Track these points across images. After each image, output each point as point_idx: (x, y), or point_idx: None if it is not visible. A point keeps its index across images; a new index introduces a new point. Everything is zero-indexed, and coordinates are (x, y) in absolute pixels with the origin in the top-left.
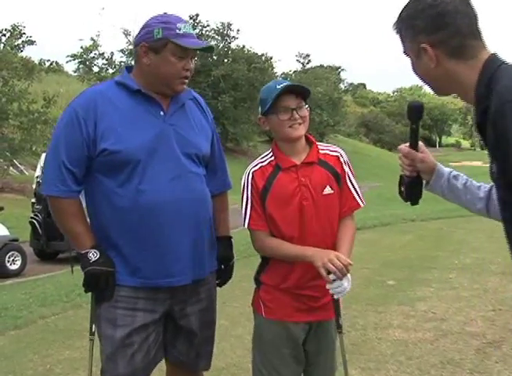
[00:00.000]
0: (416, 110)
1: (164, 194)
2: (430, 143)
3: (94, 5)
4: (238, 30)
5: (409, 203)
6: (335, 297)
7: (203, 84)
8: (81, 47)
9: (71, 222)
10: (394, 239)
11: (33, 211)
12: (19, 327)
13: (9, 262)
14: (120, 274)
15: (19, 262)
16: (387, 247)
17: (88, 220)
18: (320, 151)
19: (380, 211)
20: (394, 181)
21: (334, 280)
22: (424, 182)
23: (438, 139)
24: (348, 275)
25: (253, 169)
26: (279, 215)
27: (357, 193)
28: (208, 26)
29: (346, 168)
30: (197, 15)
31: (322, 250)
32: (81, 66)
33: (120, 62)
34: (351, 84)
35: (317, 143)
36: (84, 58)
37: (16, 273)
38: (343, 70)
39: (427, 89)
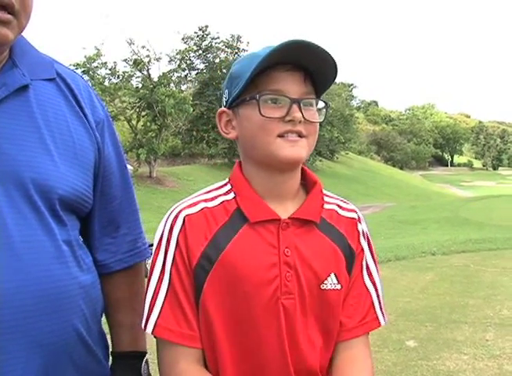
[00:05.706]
0: None
1: None
2: (442, 162)
3: (98, 15)
4: (248, 43)
5: None
6: None
7: (212, 97)
8: (85, 56)
9: None
10: (412, 278)
11: None
12: None
13: None
14: None
15: None
16: (404, 289)
17: None
18: (326, 205)
19: (393, 237)
20: (406, 201)
21: None
22: None
23: (449, 158)
24: None
25: (187, 211)
26: (223, 320)
27: (378, 299)
28: (218, 38)
29: (364, 244)
30: (207, 26)
31: None
32: (83, 75)
33: (124, 72)
34: (363, 101)
35: (323, 190)
36: (88, 67)
37: None
38: (355, 87)
39: (439, 107)
